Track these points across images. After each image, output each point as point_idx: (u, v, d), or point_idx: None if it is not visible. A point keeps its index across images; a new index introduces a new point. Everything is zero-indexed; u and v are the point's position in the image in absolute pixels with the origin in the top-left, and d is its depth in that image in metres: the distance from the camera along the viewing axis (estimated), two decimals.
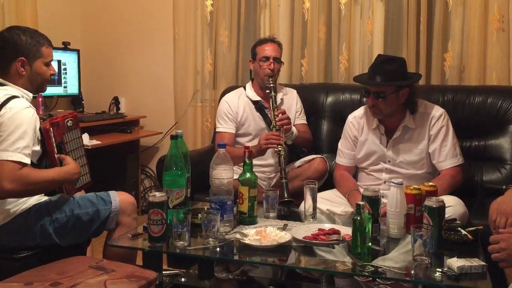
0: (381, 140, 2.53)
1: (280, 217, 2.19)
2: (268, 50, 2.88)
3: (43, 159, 1.99)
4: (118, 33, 4.06)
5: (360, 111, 2.64)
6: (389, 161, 2.51)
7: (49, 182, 1.93)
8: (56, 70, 3.54)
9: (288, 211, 2.31)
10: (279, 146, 2.63)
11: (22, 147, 1.82)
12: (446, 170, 2.43)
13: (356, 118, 2.62)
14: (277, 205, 2.20)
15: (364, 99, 2.63)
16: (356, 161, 2.62)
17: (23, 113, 1.87)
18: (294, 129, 2.83)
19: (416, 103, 2.48)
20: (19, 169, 1.80)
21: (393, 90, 2.39)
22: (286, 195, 2.51)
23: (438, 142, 2.45)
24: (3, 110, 1.84)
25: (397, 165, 2.50)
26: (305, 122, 3.03)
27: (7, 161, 1.79)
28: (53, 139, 1.98)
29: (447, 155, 2.44)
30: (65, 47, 3.70)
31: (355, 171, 2.67)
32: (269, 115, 2.83)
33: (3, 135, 1.82)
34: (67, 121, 2.09)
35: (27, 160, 1.84)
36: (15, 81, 1.99)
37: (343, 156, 2.65)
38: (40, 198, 2.02)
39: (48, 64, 2.05)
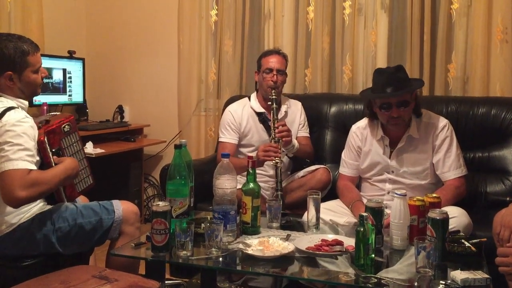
0: (384, 151, 2.53)
1: (283, 227, 2.18)
2: (272, 62, 2.87)
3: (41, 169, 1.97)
4: (123, 42, 4.08)
5: (363, 121, 2.64)
6: (392, 172, 2.51)
7: (57, 179, 1.91)
8: (61, 78, 3.61)
9: (291, 220, 2.30)
10: (276, 159, 2.59)
11: (25, 155, 1.83)
12: (450, 181, 2.43)
13: (360, 129, 2.62)
14: (280, 215, 2.20)
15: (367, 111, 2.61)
16: (359, 171, 2.62)
17: (21, 124, 1.86)
18: (295, 142, 2.80)
19: (419, 105, 2.49)
20: (27, 173, 1.81)
21: (410, 96, 2.40)
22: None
23: (442, 152, 2.45)
24: (0, 123, 1.84)
25: (400, 175, 2.50)
26: (308, 135, 3.00)
27: (13, 170, 1.79)
28: (48, 150, 1.96)
29: (451, 166, 2.43)
30: (70, 55, 3.73)
31: (359, 182, 2.67)
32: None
33: (4, 147, 1.82)
34: (64, 126, 2.06)
35: (32, 166, 1.85)
36: (6, 93, 1.97)
37: (347, 167, 2.65)
38: (43, 207, 2.02)
39: (37, 71, 2.01)
